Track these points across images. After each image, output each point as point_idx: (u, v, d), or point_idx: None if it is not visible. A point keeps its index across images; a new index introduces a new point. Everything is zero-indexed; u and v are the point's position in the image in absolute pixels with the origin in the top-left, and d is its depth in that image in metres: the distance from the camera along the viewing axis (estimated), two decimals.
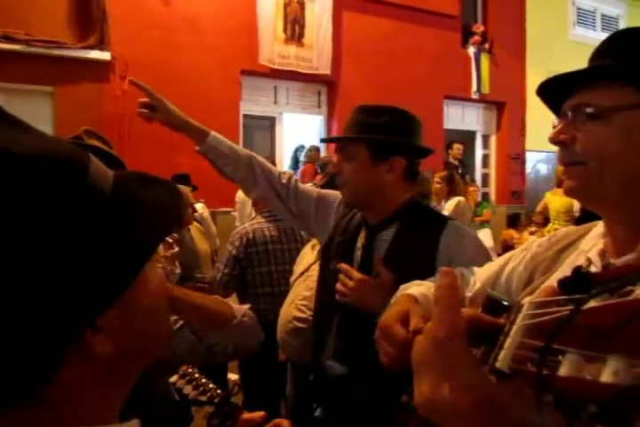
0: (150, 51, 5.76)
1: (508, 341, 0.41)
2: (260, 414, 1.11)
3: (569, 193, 0.81)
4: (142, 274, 0.53)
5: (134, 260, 0.51)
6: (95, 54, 5.50)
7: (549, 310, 0.38)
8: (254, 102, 6.84)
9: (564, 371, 0.35)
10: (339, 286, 1.46)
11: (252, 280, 2.78)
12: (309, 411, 1.60)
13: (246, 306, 1.29)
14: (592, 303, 0.35)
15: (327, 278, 1.62)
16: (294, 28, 6.63)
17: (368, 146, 1.52)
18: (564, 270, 0.88)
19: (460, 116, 8.68)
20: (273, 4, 6.45)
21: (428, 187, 4.13)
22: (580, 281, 0.37)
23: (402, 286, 1.12)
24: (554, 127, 0.82)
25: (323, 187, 2.43)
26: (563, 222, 5.57)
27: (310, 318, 2.27)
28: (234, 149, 1.69)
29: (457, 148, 7.58)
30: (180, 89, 5.83)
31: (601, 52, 0.81)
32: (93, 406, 0.53)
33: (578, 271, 0.37)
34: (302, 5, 6.66)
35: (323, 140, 6.54)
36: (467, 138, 8.62)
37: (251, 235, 2.77)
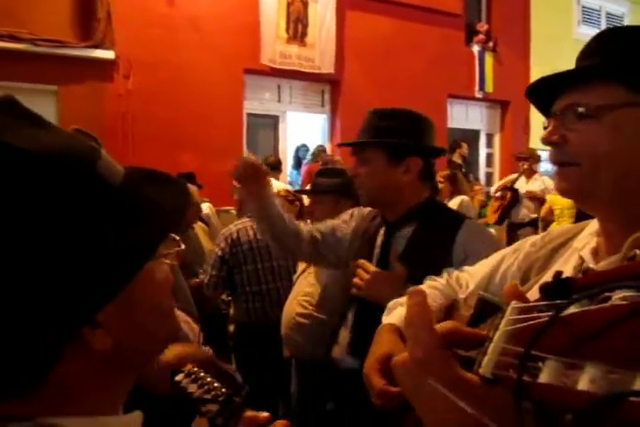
0: (154, 50, 5.76)
1: (492, 346, 0.41)
2: (264, 414, 1.12)
3: (562, 193, 0.81)
4: (145, 270, 0.53)
5: (135, 256, 0.51)
6: (99, 53, 5.50)
7: (530, 315, 0.38)
8: (258, 101, 6.83)
9: (543, 378, 0.34)
10: (355, 279, 1.50)
11: (239, 279, 2.83)
12: (319, 405, 1.63)
13: None
14: (572, 309, 0.35)
15: (347, 278, 1.67)
16: (297, 27, 6.61)
17: (384, 149, 1.56)
18: (558, 269, 0.88)
19: (463, 115, 8.63)
20: (275, 4, 6.43)
21: None
22: (560, 287, 0.37)
23: (389, 305, 1.12)
24: (544, 128, 0.81)
25: (317, 176, 2.60)
26: (568, 219, 5.52)
27: (313, 313, 2.31)
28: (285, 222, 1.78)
29: (465, 147, 7.57)
30: (183, 88, 5.85)
31: (589, 52, 0.80)
32: (94, 398, 0.53)
33: (558, 277, 0.37)
34: (305, 4, 6.64)
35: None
36: (470, 137, 8.59)
37: (235, 235, 2.83)
